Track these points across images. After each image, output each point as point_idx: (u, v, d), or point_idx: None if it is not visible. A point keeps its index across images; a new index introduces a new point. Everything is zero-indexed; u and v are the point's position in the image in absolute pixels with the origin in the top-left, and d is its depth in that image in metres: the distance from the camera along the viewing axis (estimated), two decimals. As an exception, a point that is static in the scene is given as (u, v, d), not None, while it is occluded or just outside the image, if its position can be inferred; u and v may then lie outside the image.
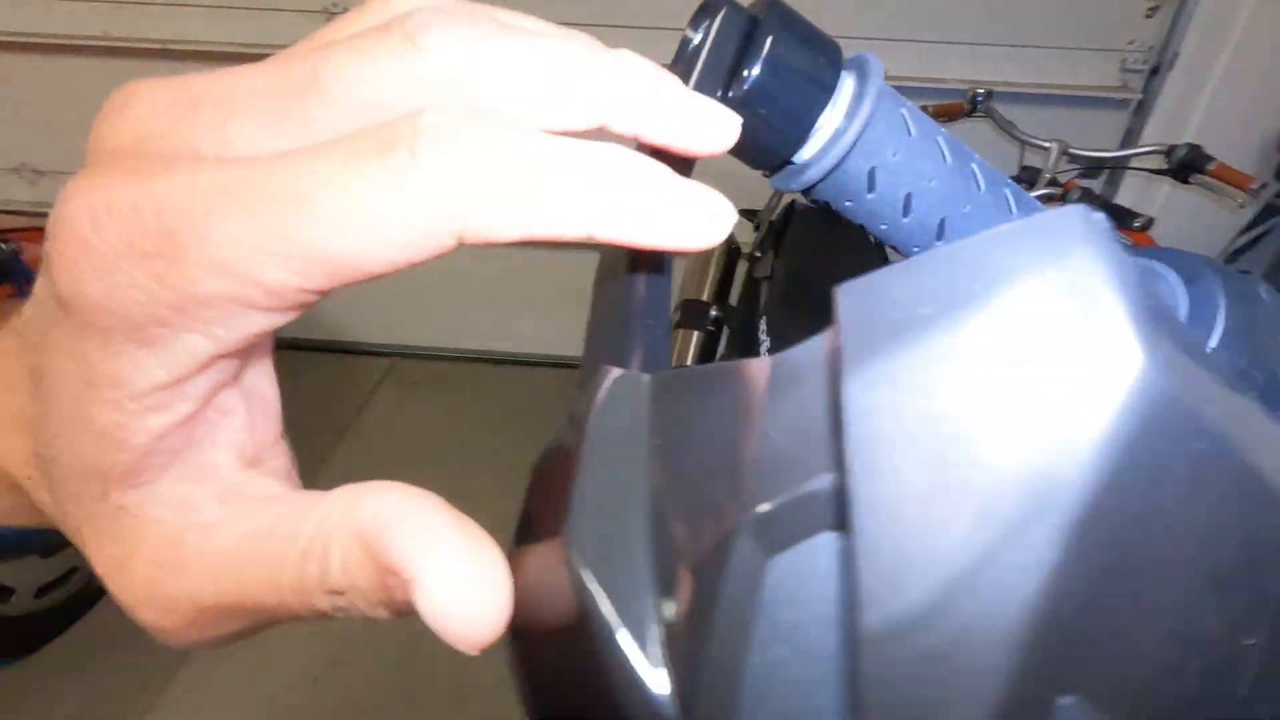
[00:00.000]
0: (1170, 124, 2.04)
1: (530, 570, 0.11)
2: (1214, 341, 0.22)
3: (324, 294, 0.13)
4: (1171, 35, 1.98)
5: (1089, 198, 1.52)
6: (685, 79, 0.17)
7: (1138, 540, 0.07)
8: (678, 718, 0.09)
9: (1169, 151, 1.47)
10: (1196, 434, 0.07)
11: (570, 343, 2.53)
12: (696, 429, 0.10)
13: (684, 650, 0.09)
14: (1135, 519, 0.07)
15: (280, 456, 0.17)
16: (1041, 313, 0.08)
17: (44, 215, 0.16)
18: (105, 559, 0.14)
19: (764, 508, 0.09)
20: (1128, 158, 1.53)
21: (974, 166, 0.20)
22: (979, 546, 0.07)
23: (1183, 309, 0.23)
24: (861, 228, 0.21)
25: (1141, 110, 2.09)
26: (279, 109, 0.14)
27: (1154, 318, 0.07)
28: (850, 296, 0.09)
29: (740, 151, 0.20)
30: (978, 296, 0.08)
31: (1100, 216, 0.08)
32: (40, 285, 0.14)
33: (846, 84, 0.18)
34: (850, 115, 0.18)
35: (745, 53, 0.18)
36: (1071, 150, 1.53)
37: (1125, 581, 0.08)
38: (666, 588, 0.10)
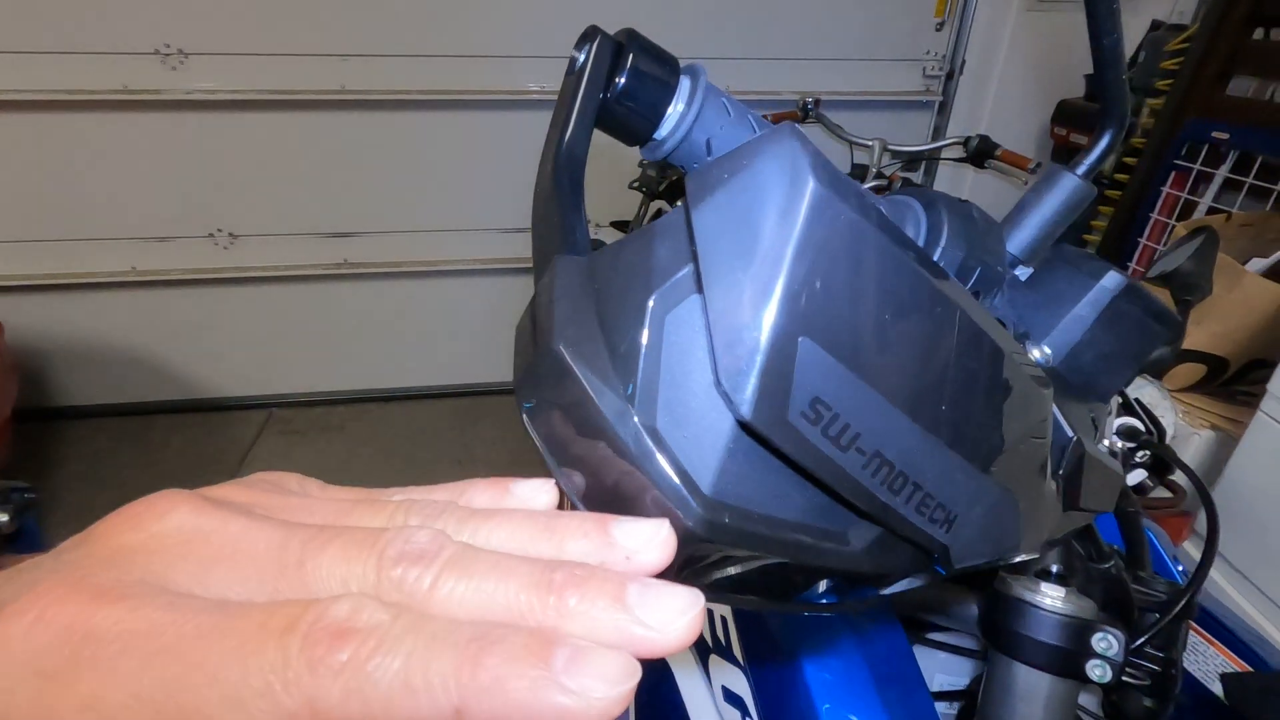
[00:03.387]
0: (967, 120, 2.39)
1: (533, 358, 0.19)
2: (943, 242, 0.33)
3: None
4: (958, 45, 2.33)
5: (912, 188, 1.77)
6: (577, 88, 0.26)
7: (823, 257, 0.16)
8: (635, 409, 0.17)
9: (965, 142, 1.73)
10: (836, 213, 0.17)
11: (455, 373, 2.54)
12: (619, 266, 0.19)
13: (632, 375, 0.17)
14: (821, 246, 0.16)
15: None
16: (774, 165, 0.17)
17: None
18: None
19: (664, 285, 0.17)
20: (934, 149, 1.78)
21: (775, 135, 0.30)
22: (759, 269, 0.16)
23: (922, 223, 0.34)
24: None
25: (944, 110, 2.42)
26: (258, 574, 0.15)
27: (822, 169, 0.16)
28: (691, 177, 0.18)
29: (617, 133, 0.28)
30: (747, 165, 0.17)
31: (798, 128, 0.17)
32: None
33: (684, 83, 0.27)
34: (689, 103, 0.27)
35: (615, 66, 0.26)
36: (890, 147, 1.76)
37: (822, 277, 0.16)
38: (614, 358, 0.18)
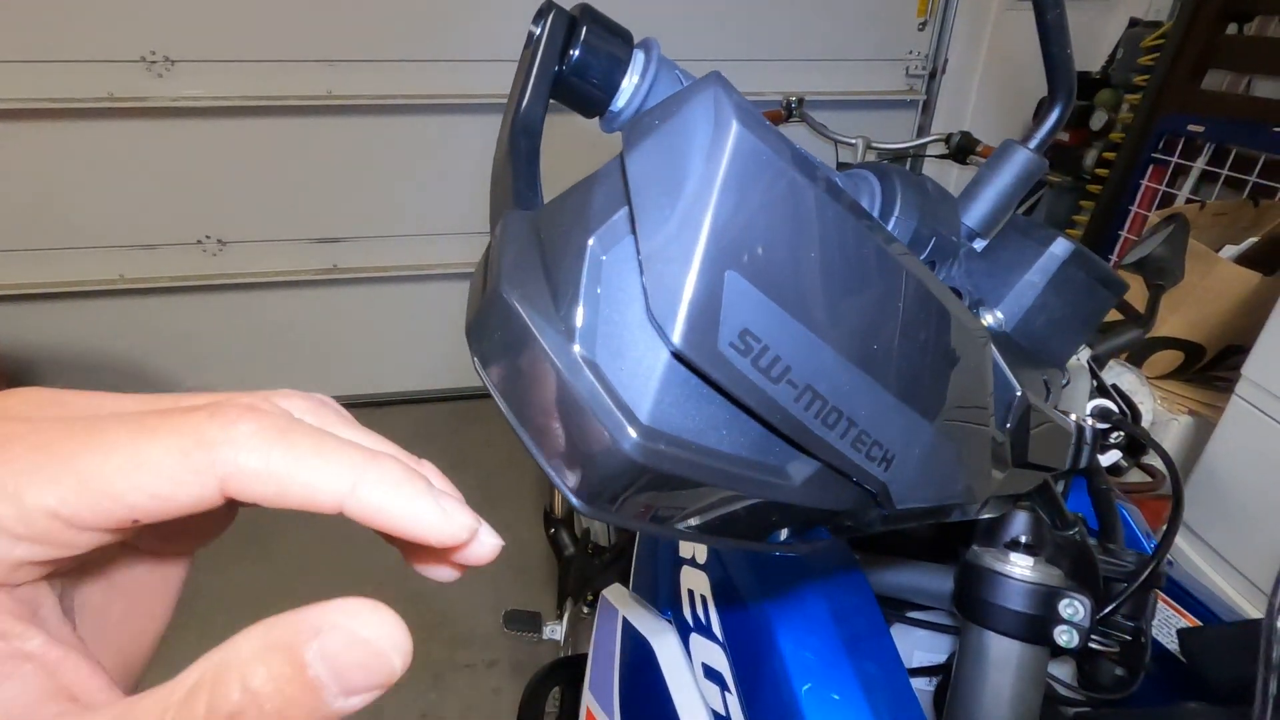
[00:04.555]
0: (950, 117, 2.42)
1: (481, 304, 0.20)
2: (896, 212, 0.34)
3: (81, 539, 0.14)
4: (940, 45, 2.36)
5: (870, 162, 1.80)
6: (532, 60, 0.27)
7: (745, 194, 0.17)
8: (576, 344, 0.18)
9: (947, 139, 1.76)
10: (759, 153, 0.18)
11: (447, 377, 2.54)
12: (562, 214, 0.20)
13: (573, 313, 0.18)
14: (744, 184, 0.17)
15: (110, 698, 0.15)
16: (700, 110, 0.18)
17: None
18: None
19: (601, 227, 0.18)
20: (917, 147, 1.80)
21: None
22: (685, 206, 0.17)
23: (876, 195, 0.35)
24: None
25: (927, 108, 2.45)
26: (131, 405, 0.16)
27: (745, 113, 0.18)
28: (626, 127, 0.19)
29: (574, 105, 0.29)
30: (675, 112, 0.18)
31: (723, 76, 0.18)
32: None
33: (638, 56, 0.29)
34: (643, 76, 0.28)
35: (569, 39, 0.27)
36: (874, 145, 1.78)
37: (746, 214, 0.17)
38: (556, 298, 0.19)
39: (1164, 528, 0.52)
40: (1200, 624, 0.57)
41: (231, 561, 1.87)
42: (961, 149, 1.76)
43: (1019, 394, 0.30)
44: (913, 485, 0.23)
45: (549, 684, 0.86)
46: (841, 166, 1.68)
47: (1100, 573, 0.49)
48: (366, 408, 2.53)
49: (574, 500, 0.19)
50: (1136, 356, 1.41)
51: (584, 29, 0.27)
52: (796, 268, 0.18)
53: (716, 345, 0.17)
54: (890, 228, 0.33)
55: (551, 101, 0.28)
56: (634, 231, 0.18)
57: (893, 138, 1.84)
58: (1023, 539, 0.50)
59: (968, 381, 0.24)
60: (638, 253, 0.18)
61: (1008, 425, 0.30)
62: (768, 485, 0.20)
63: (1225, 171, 1.63)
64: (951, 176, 2.38)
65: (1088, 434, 0.43)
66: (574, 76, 0.27)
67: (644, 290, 0.17)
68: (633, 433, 0.18)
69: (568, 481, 0.18)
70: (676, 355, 0.17)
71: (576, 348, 0.18)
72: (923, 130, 2.50)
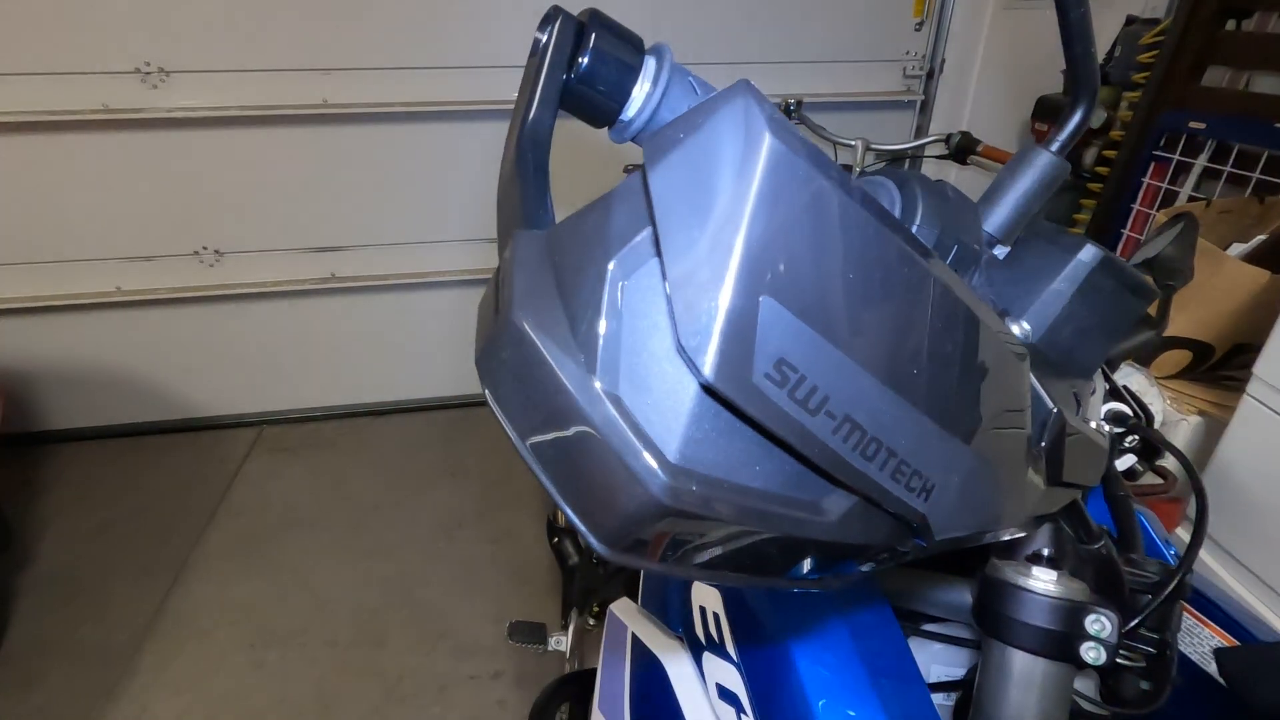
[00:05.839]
0: (948, 118, 2.41)
1: (493, 331, 0.18)
2: (918, 220, 0.33)
3: None
4: (937, 45, 2.35)
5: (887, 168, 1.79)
6: (539, 68, 0.26)
7: (781, 213, 0.16)
8: (597, 377, 0.17)
9: (947, 139, 1.75)
10: (794, 168, 0.16)
11: (447, 385, 2.52)
12: (578, 235, 0.18)
13: (593, 342, 0.17)
14: (779, 202, 0.16)
15: None
16: (729, 122, 0.16)
17: None
18: None
19: (623, 250, 0.17)
20: (916, 147, 1.79)
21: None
22: (716, 227, 0.16)
23: (896, 202, 0.33)
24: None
25: (925, 109, 2.45)
26: None
27: (778, 124, 0.16)
28: (648, 141, 0.17)
29: (583, 115, 0.28)
30: (702, 124, 0.16)
31: (752, 84, 0.17)
32: None
33: (650, 63, 0.27)
34: (655, 83, 0.27)
35: (578, 46, 0.26)
36: (873, 146, 1.77)
37: (781, 234, 0.16)
38: (574, 326, 0.18)
39: (1179, 531, 0.51)
40: (1222, 631, 0.56)
41: (229, 575, 1.85)
42: (961, 149, 1.76)
43: (1054, 411, 0.29)
44: (952, 514, 0.22)
45: (557, 700, 0.85)
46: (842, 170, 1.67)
47: (1126, 585, 0.48)
48: (366, 417, 2.51)
49: (596, 545, 0.17)
50: (1144, 357, 1.39)
51: (593, 35, 0.26)
52: (835, 291, 0.17)
53: (751, 377, 0.16)
54: (911, 237, 0.32)
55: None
56: (659, 254, 0.16)
57: (891, 139, 1.84)
58: (1045, 552, 0.48)
59: (1006, 401, 0.23)
60: (664, 278, 0.16)
61: (1043, 444, 0.29)
62: (803, 522, 0.19)
63: (1228, 169, 1.62)
64: (950, 177, 2.37)
65: (1104, 438, 0.41)
66: (583, 85, 0.26)
67: (671, 318, 0.16)
68: (661, 472, 0.16)
69: (590, 524, 0.17)
70: (707, 388, 0.16)
71: (597, 381, 0.17)
72: (921, 131, 2.49)
